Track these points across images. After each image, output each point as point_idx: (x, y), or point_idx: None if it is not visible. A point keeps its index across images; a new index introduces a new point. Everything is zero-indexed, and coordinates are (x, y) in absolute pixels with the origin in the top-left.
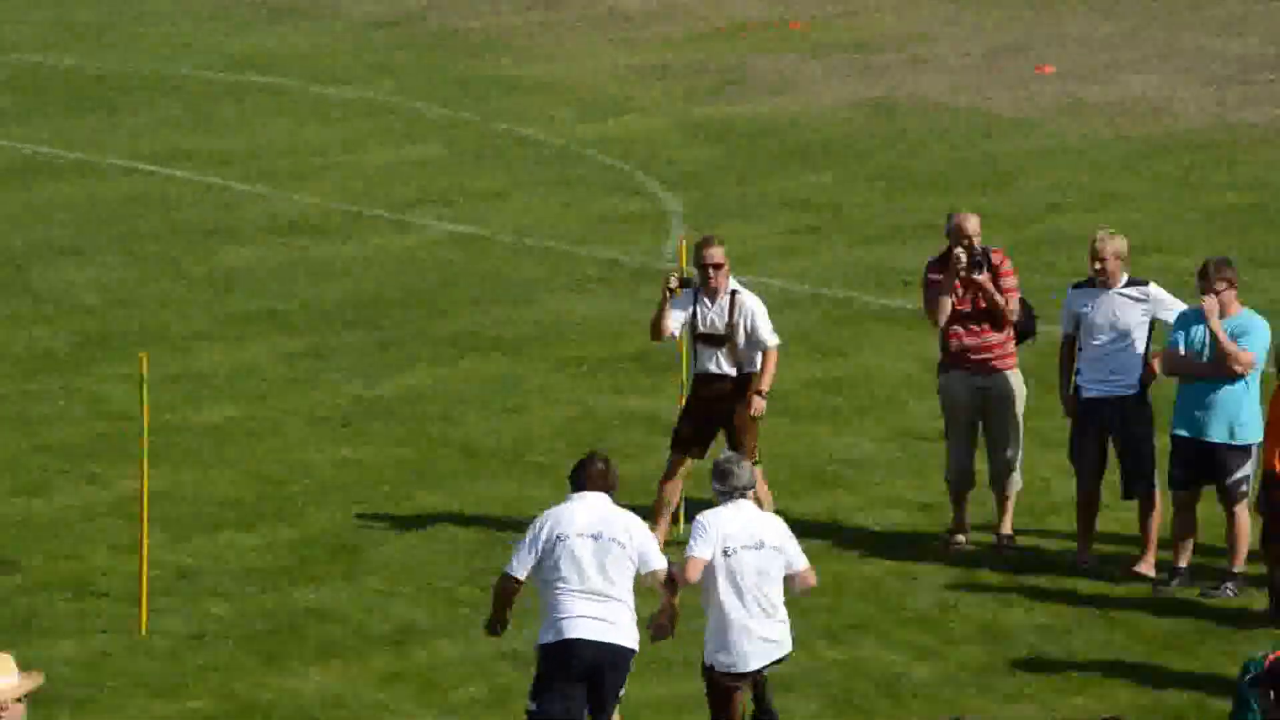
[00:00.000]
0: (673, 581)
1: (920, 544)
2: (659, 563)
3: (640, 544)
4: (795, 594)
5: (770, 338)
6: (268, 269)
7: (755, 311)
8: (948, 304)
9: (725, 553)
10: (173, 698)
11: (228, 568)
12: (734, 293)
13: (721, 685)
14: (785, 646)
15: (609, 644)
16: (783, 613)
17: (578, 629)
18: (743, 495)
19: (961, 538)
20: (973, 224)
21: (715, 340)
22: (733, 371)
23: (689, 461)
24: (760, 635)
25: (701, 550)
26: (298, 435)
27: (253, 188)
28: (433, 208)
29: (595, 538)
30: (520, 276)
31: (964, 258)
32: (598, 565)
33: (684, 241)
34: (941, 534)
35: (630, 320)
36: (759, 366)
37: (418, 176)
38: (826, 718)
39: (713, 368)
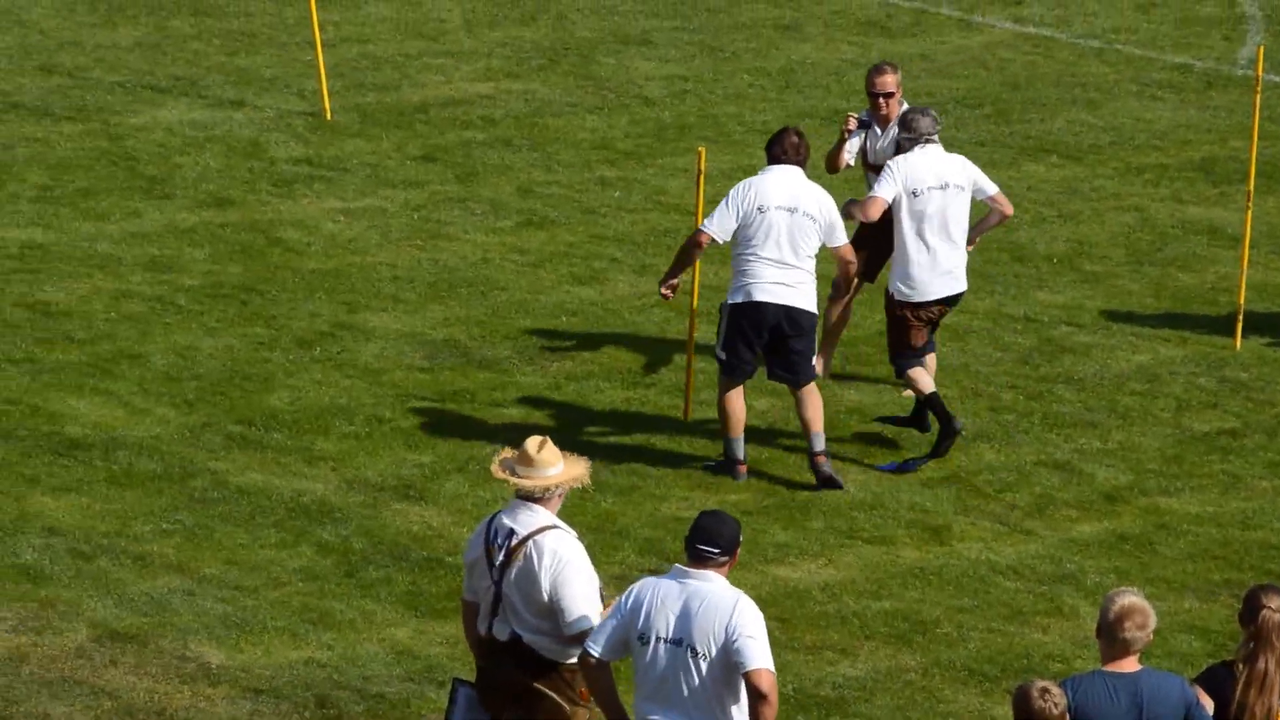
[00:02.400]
0: (849, 260)
1: None
2: (843, 239)
3: (829, 218)
4: (991, 225)
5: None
6: (831, 66)
7: None
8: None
9: (913, 193)
10: (712, 490)
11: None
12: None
13: (902, 314)
14: (963, 283)
15: (790, 306)
16: (961, 248)
17: (764, 293)
18: (929, 140)
19: None
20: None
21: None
22: None
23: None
24: (943, 269)
25: (886, 191)
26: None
27: None
28: (1002, 7)
29: (790, 211)
30: (1088, 79)
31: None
32: (789, 236)
33: (1261, 49)
34: None
35: (1198, 128)
36: None
37: None
38: None
39: None
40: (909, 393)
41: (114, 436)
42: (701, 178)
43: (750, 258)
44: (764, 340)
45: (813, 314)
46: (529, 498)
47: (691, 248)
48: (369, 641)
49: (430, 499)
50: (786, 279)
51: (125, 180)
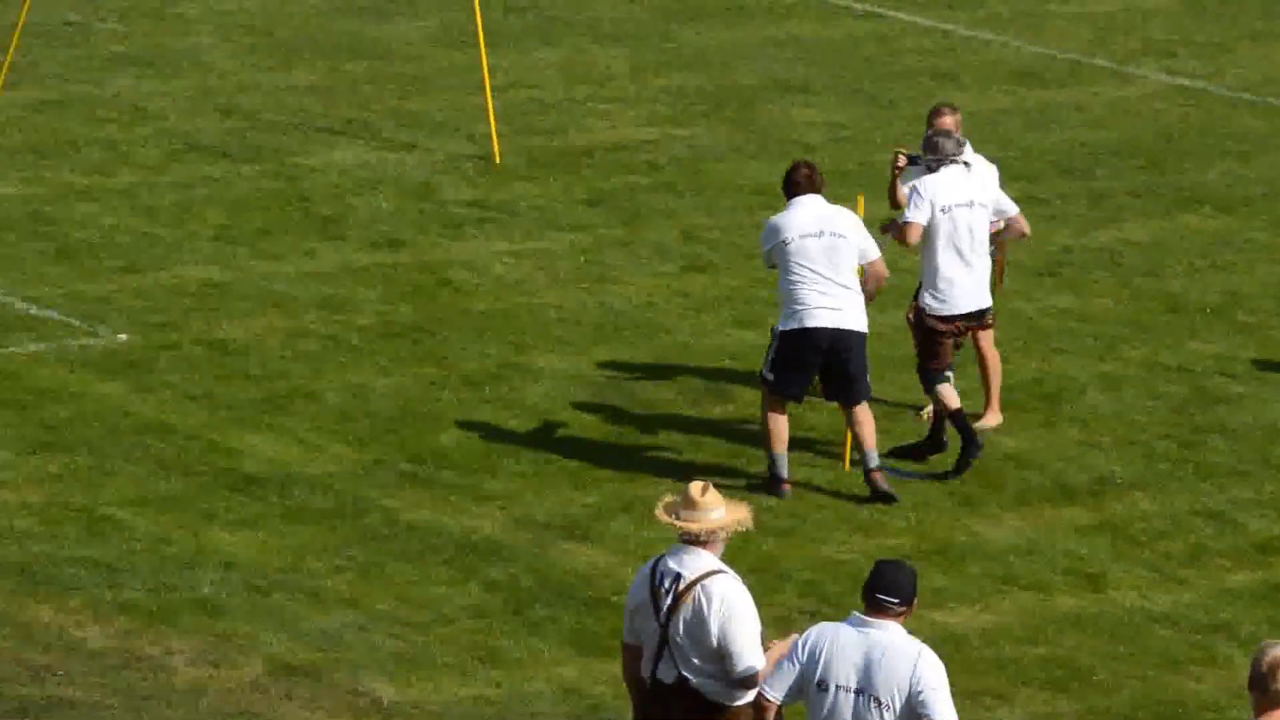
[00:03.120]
0: (883, 274)
1: None
2: (875, 253)
3: (860, 235)
4: (1009, 237)
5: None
6: (985, 115)
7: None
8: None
9: (942, 210)
10: (872, 533)
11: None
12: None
13: (932, 327)
14: (989, 298)
15: (839, 328)
16: (986, 263)
17: (813, 319)
18: (953, 161)
19: None
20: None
21: None
22: None
23: None
24: (971, 283)
25: (919, 215)
26: (1006, 282)
27: (976, 33)
28: (1155, 59)
29: (819, 235)
30: (1241, 131)
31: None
32: (827, 259)
33: None
34: None
35: None
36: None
37: (1142, 27)
38: None
39: None
40: (927, 413)
41: (289, 473)
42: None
43: (794, 285)
44: (818, 364)
45: (863, 333)
46: (693, 541)
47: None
48: (536, 679)
49: (596, 538)
50: (832, 302)
51: (300, 221)
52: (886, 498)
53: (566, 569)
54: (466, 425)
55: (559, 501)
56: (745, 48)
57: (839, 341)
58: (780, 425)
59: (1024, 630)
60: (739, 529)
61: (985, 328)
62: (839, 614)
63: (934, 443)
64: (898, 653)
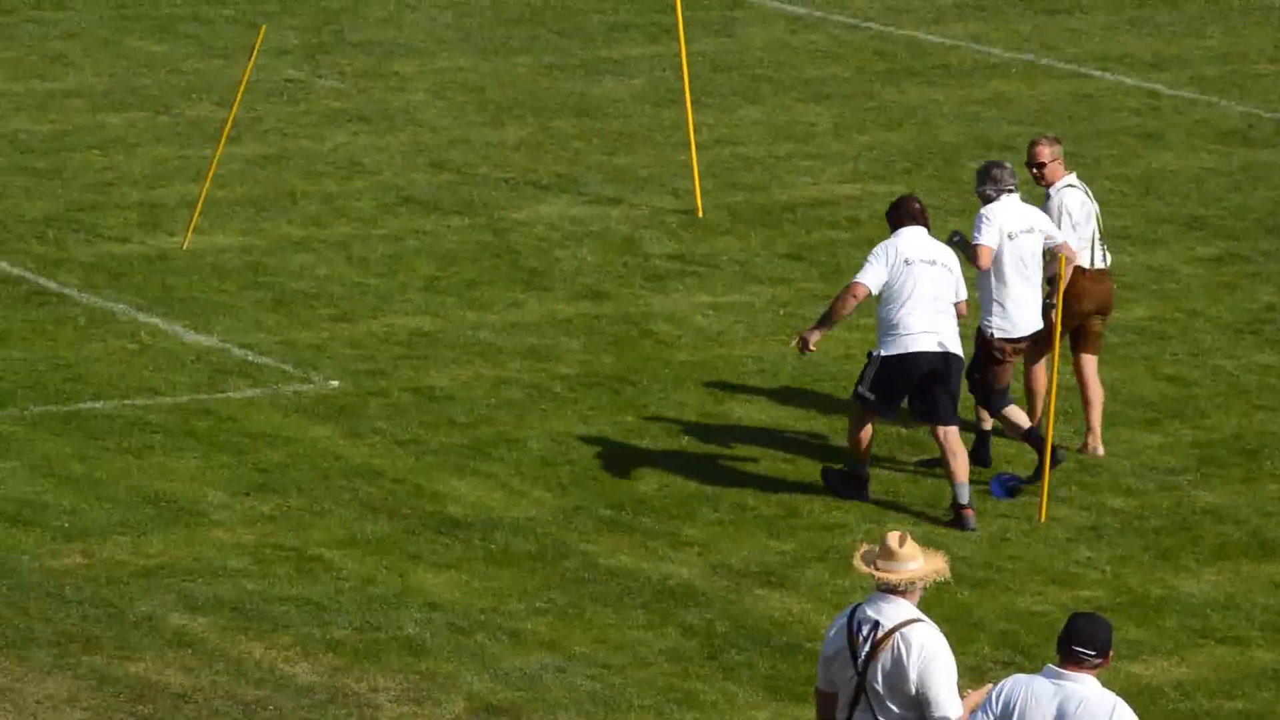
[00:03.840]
0: (964, 314)
1: None
2: (964, 293)
3: (958, 272)
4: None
5: (1057, 234)
6: (1191, 174)
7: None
8: None
9: (1009, 236)
10: (1067, 585)
11: (1129, 463)
12: (1048, 196)
13: (999, 349)
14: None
15: (942, 353)
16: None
17: (917, 343)
18: (1010, 190)
19: None
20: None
21: None
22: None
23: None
24: (1033, 306)
25: (991, 239)
26: (1209, 339)
27: (1181, 93)
28: None
29: (931, 263)
30: None
31: None
32: (934, 287)
33: None
34: None
35: None
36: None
37: None
38: None
39: None
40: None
41: (492, 517)
42: (1062, 282)
43: (900, 309)
44: (913, 386)
45: (961, 358)
46: (891, 590)
47: (847, 298)
48: None
49: (791, 586)
50: (936, 327)
51: (507, 272)
52: (965, 526)
53: (762, 615)
54: (665, 473)
55: (755, 548)
56: (948, 106)
57: (943, 364)
58: (868, 442)
59: (1220, 684)
60: (936, 579)
61: (1042, 352)
62: (1033, 665)
63: (978, 457)
64: (1093, 705)
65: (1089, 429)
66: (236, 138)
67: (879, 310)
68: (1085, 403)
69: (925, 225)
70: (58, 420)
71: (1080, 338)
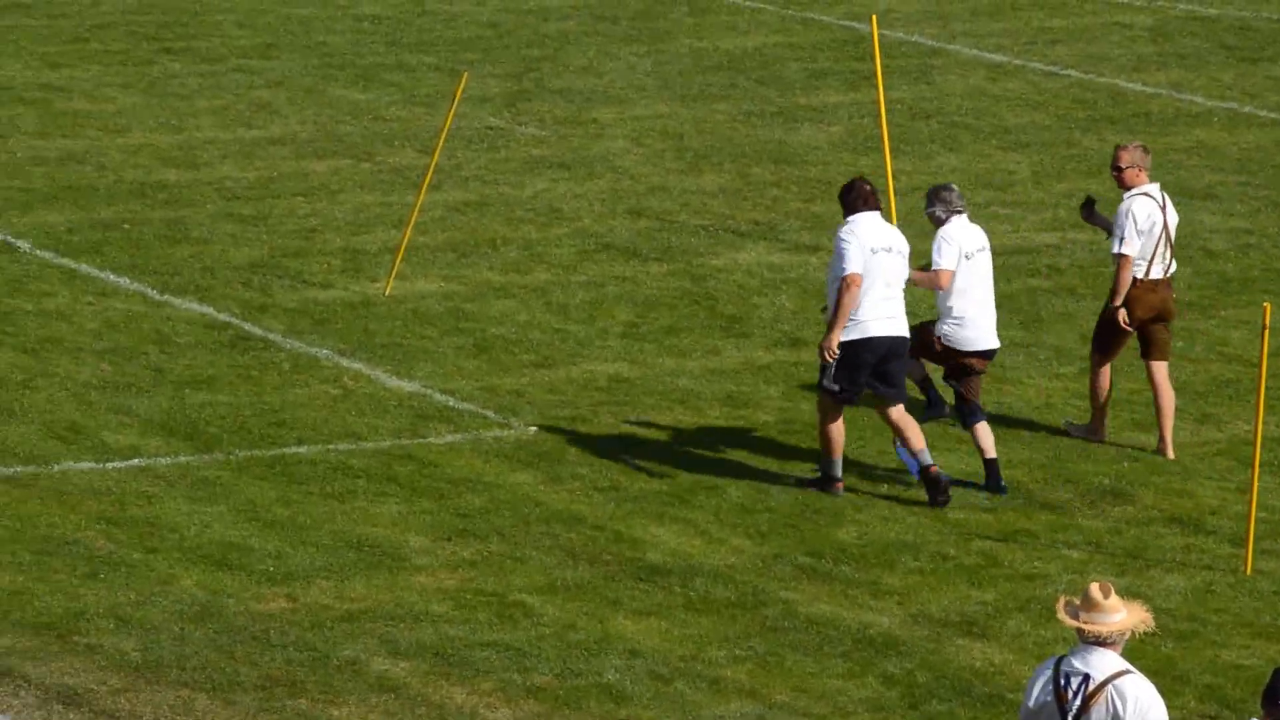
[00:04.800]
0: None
1: None
2: (908, 273)
3: (907, 255)
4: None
5: (1113, 244)
6: None
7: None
8: None
9: (966, 256)
10: (1274, 639)
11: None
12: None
13: (961, 361)
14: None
15: (897, 336)
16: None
17: (878, 328)
18: (960, 211)
19: None
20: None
21: None
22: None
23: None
24: (988, 324)
25: (950, 261)
26: None
27: None
28: None
29: (888, 250)
30: None
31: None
32: (890, 275)
33: None
34: None
35: None
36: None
37: None
38: None
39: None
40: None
41: (691, 564)
42: (1266, 332)
43: (860, 297)
44: (872, 368)
45: (909, 339)
46: (1098, 642)
47: (851, 290)
48: None
49: (992, 636)
50: (893, 312)
51: (705, 319)
52: (942, 488)
53: (963, 665)
54: (865, 521)
55: (956, 598)
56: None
57: (897, 347)
58: (840, 433)
59: None
60: (1142, 629)
61: (985, 365)
62: None
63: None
64: None
65: (1161, 437)
66: (438, 185)
67: (833, 296)
68: (1157, 410)
69: (878, 208)
70: (262, 465)
71: (1147, 345)
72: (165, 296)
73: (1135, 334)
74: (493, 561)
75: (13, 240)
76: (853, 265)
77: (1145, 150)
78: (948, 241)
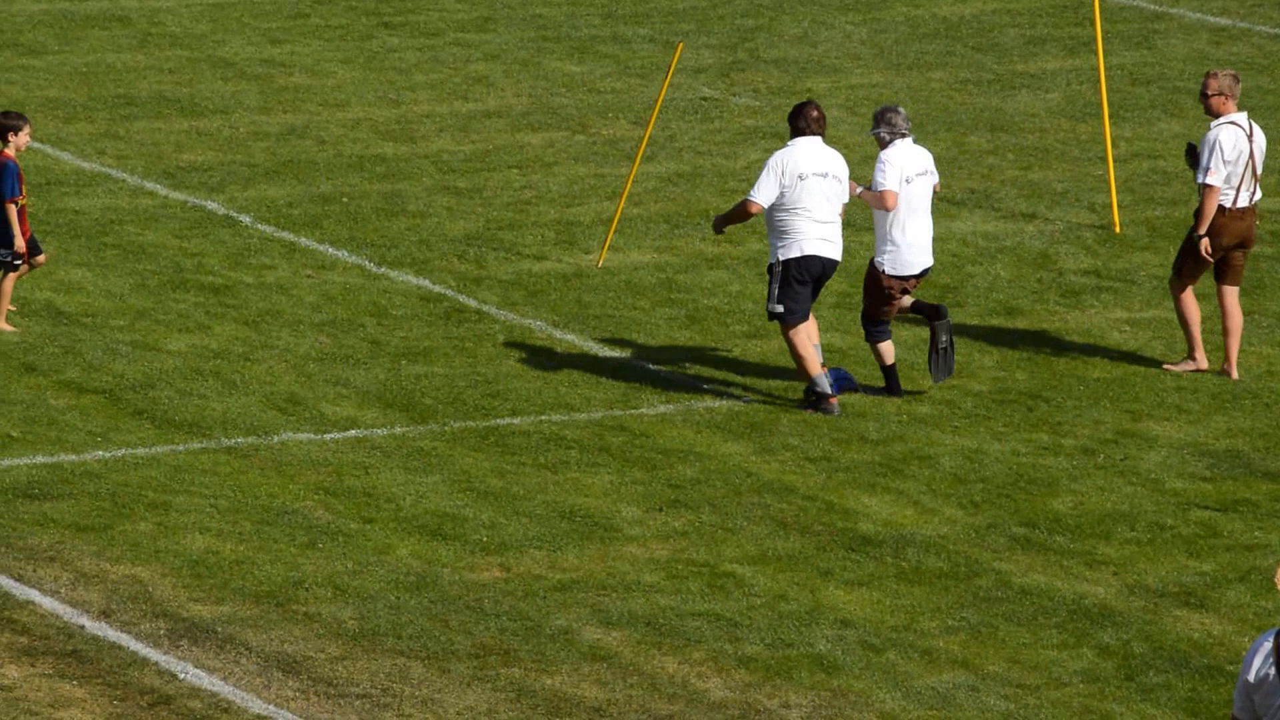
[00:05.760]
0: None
1: None
2: (847, 196)
3: (845, 179)
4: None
5: (1198, 175)
6: None
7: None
8: None
9: (906, 180)
10: None
11: None
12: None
13: (889, 287)
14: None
15: (831, 259)
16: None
17: (813, 247)
18: (905, 135)
19: None
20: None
21: None
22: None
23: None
24: (924, 245)
25: (893, 183)
26: None
27: None
28: None
29: (823, 175)
30: None
31: None
32: (825, 198)
33: None
34: None
35: None
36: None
37: None
38: None
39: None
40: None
41: (903, 534)
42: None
43: (795, 219)
44: (809, 286)
45: (839, 262)
46: None
47: (743, 214)
48: None
49: (1211, 607)
50: (828, 235)
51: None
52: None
53: (1181, 636)
54: (1080, 491)
55: (1173, 569)
56: None
57: (830, 268)
58: (809, 349)
59: None
60: None
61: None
62: None
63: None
64: None
65: (1226, 356)
66: (651, 156)
67: (773, 217)
68: (1225, 331)
69: (820, 134)
70: (476, 435)
71: (1222, 270)
72: (382, 269)
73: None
74: (704, 532)
75: (235, 214)
76: (758, 194)
77: (1235, 78)
78: (890, 163)
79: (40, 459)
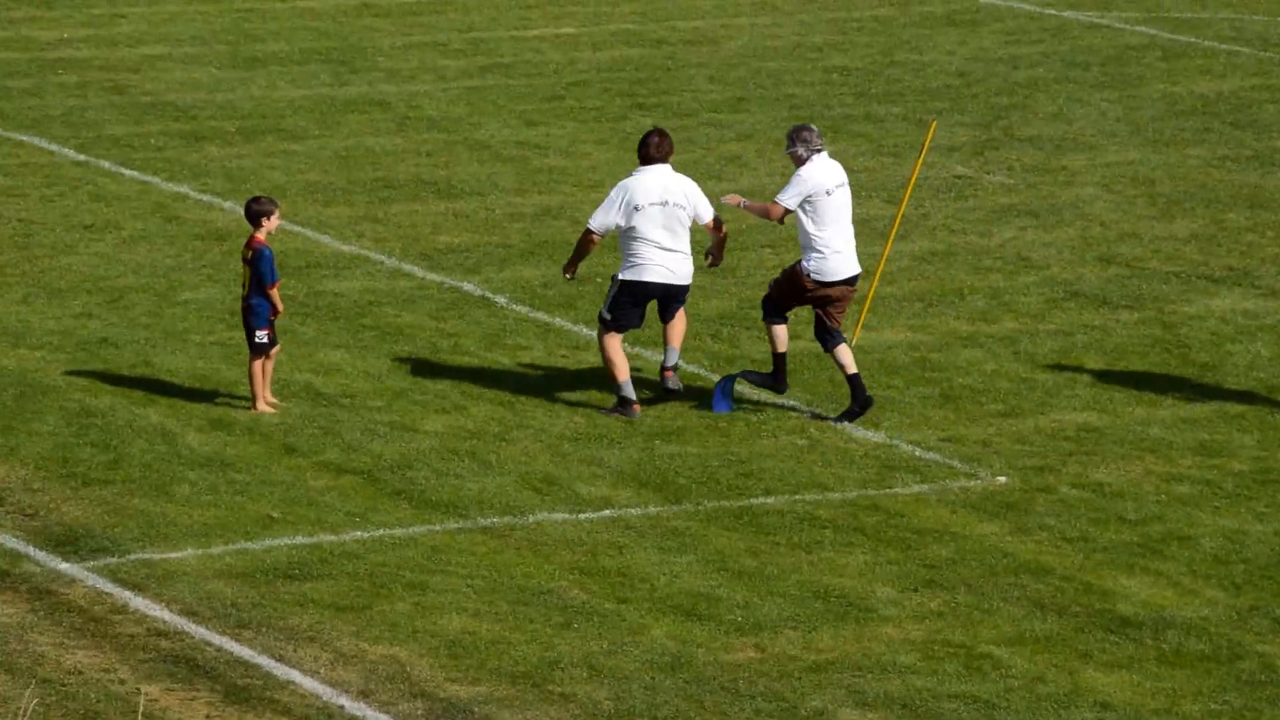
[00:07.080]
0: (720, 225)
1: None
2: (709, 214)
3: (694, 202)
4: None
5: None
6: None
7: None
8: None
9: (827, 193)
10: None
11: None
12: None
13: (808, 287)
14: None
15: (669, 284)
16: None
17: (652, 274)
18: (820, 150)
19: None
20: None
21: None
22: None
23: None
24: (849, 253)
25: (790, 200)
26: None
27: None
28: None
29: (662, 205)
30: None
31: None
32: (665, 225)
33: None
34: None
35: None
36: None
37: None
38: None
39: None
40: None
41: (1163, 616)
42: None
43: (639, 244)
44: (646, 305)
45: (686, 286)
46: None
47: (586, 243)
48: None
49: None
50: (667, 261)
51: (1177, 366)
52: (673, 393)
53: None
54: None
55: None
56: None
57: (669, 293)
58: (622, 357)
59: None
60: None
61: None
62: None
63: (774, 381)
64: None
65: None
66: (905, 234)
67: (622, 239)
68: None
69: (663, 161)
70: (730, 515)
71: None
72: (635, 349)
73: None
74: (960, 612)
75: (490, 295)
76: (593, 222)
77: None
78: (801, 180)
79: (300, 539)
